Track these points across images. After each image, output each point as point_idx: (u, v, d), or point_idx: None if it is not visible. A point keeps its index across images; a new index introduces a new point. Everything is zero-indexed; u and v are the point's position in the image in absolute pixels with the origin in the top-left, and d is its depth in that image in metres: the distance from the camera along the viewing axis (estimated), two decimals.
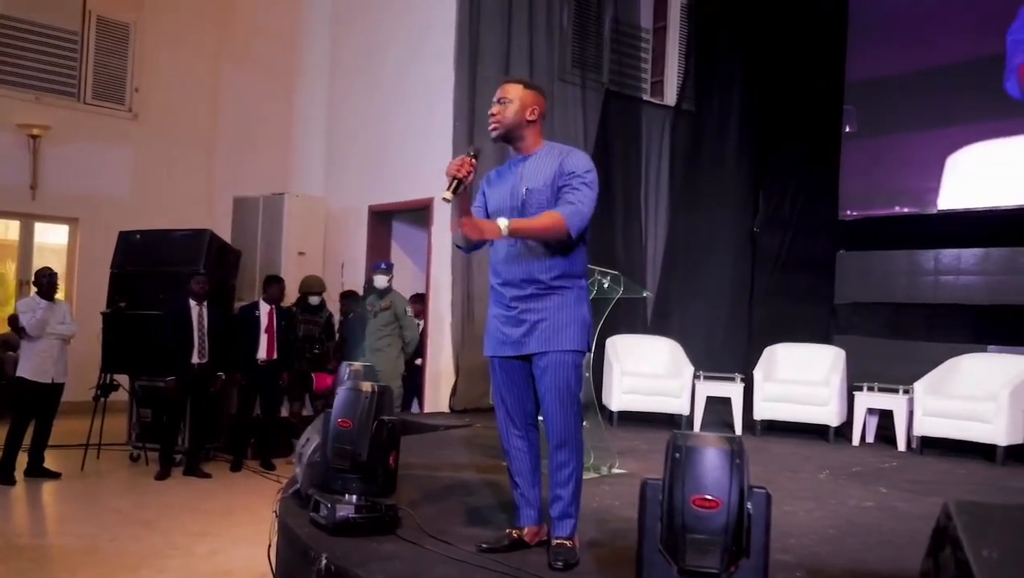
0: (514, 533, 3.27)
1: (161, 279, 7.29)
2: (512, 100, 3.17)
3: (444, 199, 2.99)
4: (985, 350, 7.20)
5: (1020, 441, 6.02)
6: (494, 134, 3.23)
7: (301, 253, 8.37)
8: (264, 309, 7.24)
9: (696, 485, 2.30)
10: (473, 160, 3.03)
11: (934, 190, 8.15)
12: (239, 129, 9.16)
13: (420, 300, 8.20)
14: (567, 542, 3.13)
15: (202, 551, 5.08)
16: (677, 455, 2.34)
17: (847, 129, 8.77)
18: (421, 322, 7.99)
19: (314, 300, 7.71)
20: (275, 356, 7.19)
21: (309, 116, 9.51)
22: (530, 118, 3.19)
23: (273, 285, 7.34)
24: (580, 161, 3.15)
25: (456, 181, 2.96)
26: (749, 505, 2.30)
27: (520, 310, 3.14)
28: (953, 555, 1.99)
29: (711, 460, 2.31)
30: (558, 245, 3.11)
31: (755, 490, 2.33)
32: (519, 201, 3.15)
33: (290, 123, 9.57)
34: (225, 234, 8.36)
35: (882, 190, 8.59)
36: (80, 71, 9.49)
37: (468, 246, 3.31)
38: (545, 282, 3.12)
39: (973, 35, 7.97)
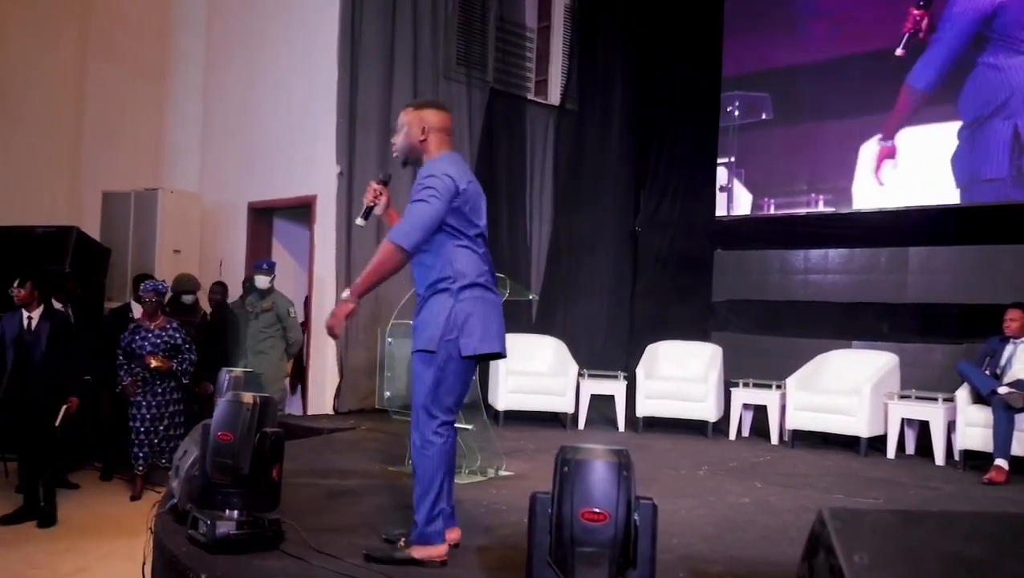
0: None
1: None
2: (402, 126, 3.30)
3: (357, 224, 3.37)
4: (850, 346, 7.59)
5: (881, 433, 6.38)
6: (399, 162, 3.39)
7: (176, 251, 8.04)
8: (138, 311, 6.92)
9: (584, 498, 2.32)
10: (383, 186, 3.28)
11: (805, 192, 8.54)
12: (107, 121, 8.67)
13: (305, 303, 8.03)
14: (402, 542, 3.20)
15: (68, 569, 4.82)
16: (566, 469, 2.36)
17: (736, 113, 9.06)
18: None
19: (187, 299, 7.40)
20: None
21: (183, 108, 9.12)
22: (421, 137, 3.26)
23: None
24: (425, 170, 3.17)
25: (367, 208, 3.25)
26: (636, 516, 2.34)
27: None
28: (827, 560, 2.08)
29: (599, 473, 2.34)
30: (427, 254, 3.15)
31: (642, 501, 2.37)
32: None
33: (162, 115, 9.15)
34: (93, 231, 7.95)
35: (758, 190, 8.91)
36: None
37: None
38: (421, 290, 3.22)
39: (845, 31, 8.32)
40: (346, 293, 3.08)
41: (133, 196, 8.12)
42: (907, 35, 7.79)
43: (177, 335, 6.30)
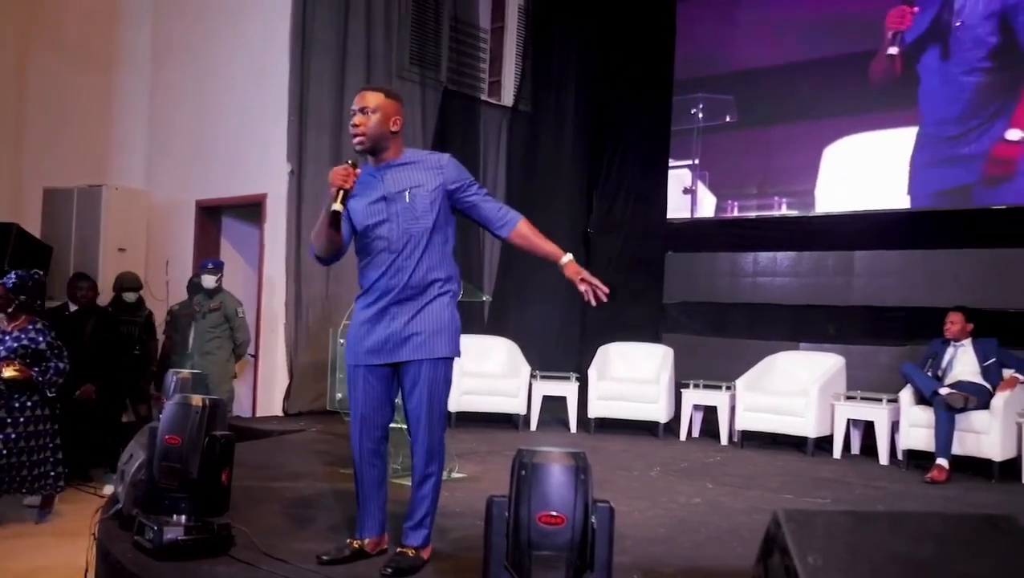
0: (355, 544, 3.27)
1: None
2: (375, 110, 3.12)
3: (335, 211, 3.01)
4: (797, 347, 7.72)
5: (827, 433, 6.49)
6: (360, 147, 3.16)
7: (121, 250, 7.83)
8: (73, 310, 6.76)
9: (542, 502, 2.31)
10: (357, 170, 3.05)
11: (768, 195, 8.66)
12: (49, 115, 8.41)
13: None
14: (411, 551, 3.17)
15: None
16: (523, 472, 2.35)
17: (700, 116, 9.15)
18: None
19: (129, 297, 7.22)
20: None
21: (129, 102, 8.89)
22: (394, 129, 3.16)
23: (80, 284, 6.85)
24: (461, 167, 3.24)
25: (343, 192, 3.00)
26: (593, 519, 2.34)
27: (392, 317, 3.12)
28: (782, 562, 2.10)
29: (556, 476, 2.34)
30: (439, 249, 3.16)
31: (599, 504, 2.37)
32: (400, 206, 3.12)
33: (107, 109, 8.91)
34: (34, 228, 7.71)
35: (721, 192, 9.01)
36: None
37: (330, 257, 3.25)
38: (423, 289, 3.13)
39: (814, 34, 8.42)
40: (570, 257, 3.17)
41: (76, 193, 7.90)
42: (895, 33, 7.77)
43: (40, 338, 5.21)
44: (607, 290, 3.11)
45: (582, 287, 3.11)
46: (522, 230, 3.19)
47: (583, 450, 2.44)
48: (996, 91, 7.32)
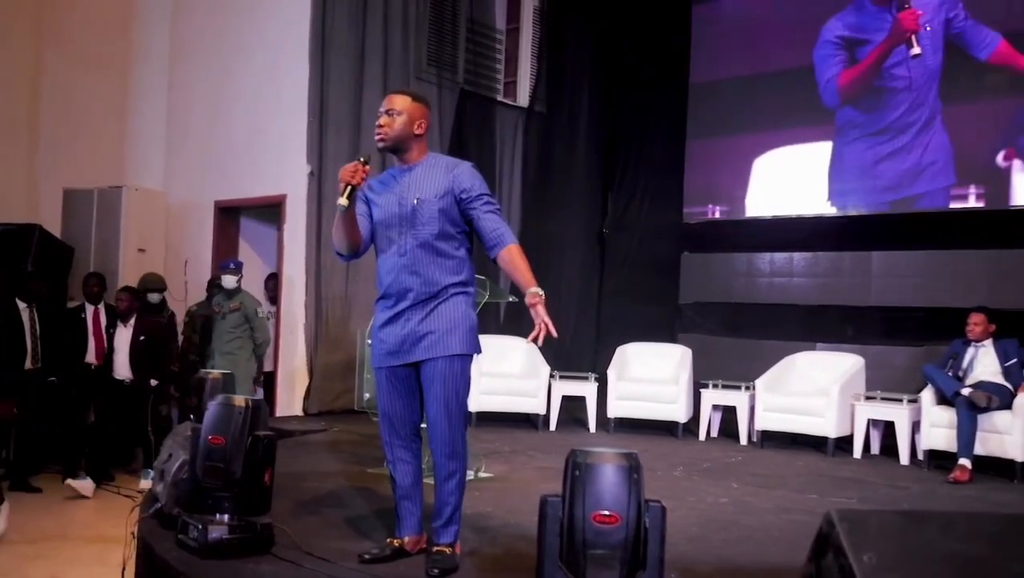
0: (395, 542, 3.31)
1: None
2: (400, 112, 3.19)
3: (340, 205, 3.04)
4: (814, 348, 7.73)
5: (847, 433, 6.51)
6: (381, 145, 3.23)
7: (141, 250, 7.88)
8: (90, 310, 6.81)
9: (596, 501, 2.35)
10: (366, 167, 3.08)
11: (768, 194, 8.69)
12: (66, 117, 8.42)
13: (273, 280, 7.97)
14: (447, 549, 3.21)
15: (38, 576, 4.71)
16: (577, 472, 2.38)
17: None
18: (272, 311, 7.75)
19: (154, 298, 7.28)
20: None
21: (145, 103, 8.92)
22: (417, 132, 3.22)
23: (91, 282, 6.90)
24: (475, 177, 3.22)
25: (351, 187, 3.03)
26: (646, 519, 2.37)
27: (407, 319, 3.16)
28: (836, 560, 2.13)
29: (610, 476, 2.37)
30: (450, 254, 3.19)
31: (651, 504, 2.40)
32: (408, 210, 3.18)
33: (124, 110, 8.94)
34: (54, 229, 7.76)
35: (722, 193, 9.05)
36: None
37: (349, 254, 3.28)
38: (435, 291, 3.16)
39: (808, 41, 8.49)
40: (535, 289, 3.08)
41: (96, 194, 7.94)
42: (913, 33, 7.83)
43: None
44: (556, 335, 3.08)
45: (536, 320, 3.07)
46: (507, 255, 3.15)
47: (635, 451, 2.47)
48: None
